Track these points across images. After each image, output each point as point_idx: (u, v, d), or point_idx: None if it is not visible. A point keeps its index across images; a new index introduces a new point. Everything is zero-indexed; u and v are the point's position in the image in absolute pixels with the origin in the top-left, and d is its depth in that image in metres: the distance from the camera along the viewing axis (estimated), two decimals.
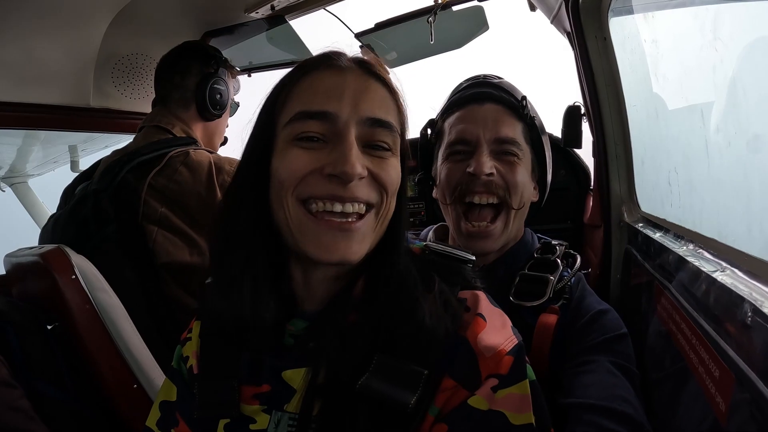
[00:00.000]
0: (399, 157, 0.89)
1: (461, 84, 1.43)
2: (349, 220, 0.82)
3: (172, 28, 2.30)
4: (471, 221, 1.27)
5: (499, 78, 1.40)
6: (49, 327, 1.49)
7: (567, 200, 1.97)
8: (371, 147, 0.84)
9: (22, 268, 1.65)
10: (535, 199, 1.36)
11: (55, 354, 1.46)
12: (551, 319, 1.15)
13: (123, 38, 2.26)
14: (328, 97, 0.82)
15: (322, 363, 0.82)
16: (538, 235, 1.39)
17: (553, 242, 1.34)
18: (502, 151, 1.27)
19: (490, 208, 1.27)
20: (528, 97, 1.33)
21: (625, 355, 1.09)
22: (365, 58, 0.91)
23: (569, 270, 1.24)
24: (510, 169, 1.26)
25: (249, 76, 2.36)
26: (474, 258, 0.98)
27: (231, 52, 2.26)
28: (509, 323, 0.87)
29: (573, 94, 1.59)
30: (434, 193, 1.39)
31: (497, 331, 0.83)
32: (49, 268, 1.42)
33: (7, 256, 1.77)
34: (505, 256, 1.31)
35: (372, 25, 2.07)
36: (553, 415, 0.86)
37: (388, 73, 0.90)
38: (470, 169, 1.24)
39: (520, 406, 0.78)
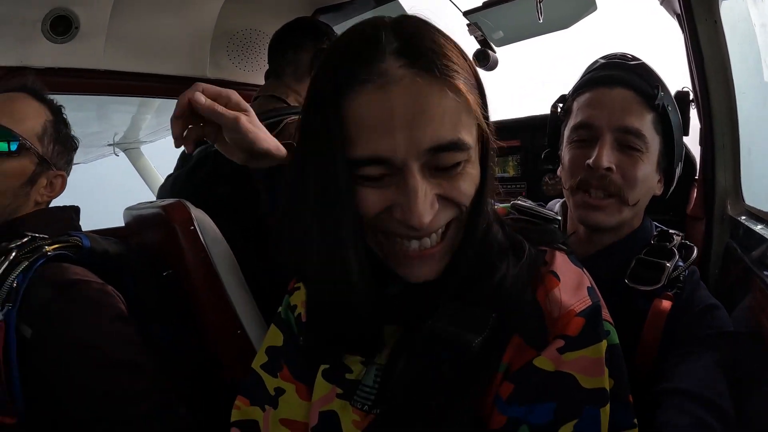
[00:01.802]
0: (477, 156, 0.80)
1: (596, 62, 1.36)
2: (428, 247, 0.79)
3: (284, 4, 2.42)
4: (588, 192, 1.23)
5: (637, 60, 1.30)
6: (164, 274, 1.62)
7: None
8: (441, 169, 0.74)
9: (142, 220, 1.78)
10: (659, 192, 1.31)
11: (167, 298, 1.58)
12: (665, 305, 1.13)
13: (238, 15, 2.41)
14: (378, 137, 0.70)
15: (412, 320, 0.84)
16: (655, 223, 1.37)
17: (670, 231, 1.32)
18: (626, 142, 1.21)
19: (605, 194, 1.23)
20: (665, 84, 1.26)
21: (730, 355, 1.06)
22: (414, 38, 0.74)
23: (683, 262, 1.22)
24: (631, 163, 1.21)
25: None
26: (559, 218, 0.99)
27: (340, 30, 2.33)
28: (587, 284, 0.83)
29: (682, 79, 1.54)
30: (559, 171, 1.37)
31: (571, 290, 0.81)
32: (169, 219, 1.53)
33: (127, 209, 1.91)
34: (623, 240, 1.28)
35: (480, 3, 2.08)
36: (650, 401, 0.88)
37: (449, 52, 0.75)
38: (589, 161, 1.20)
39: (592, 369, 0.76)
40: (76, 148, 1.56)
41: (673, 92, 1.31)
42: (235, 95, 1.05)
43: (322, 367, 0.94)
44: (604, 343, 0.78)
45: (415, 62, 0.71)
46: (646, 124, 1.21)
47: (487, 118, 0.80)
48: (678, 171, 1.32)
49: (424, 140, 0.71)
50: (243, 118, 1.02)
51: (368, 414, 0.86)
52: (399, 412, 0.80)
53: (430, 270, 0.81)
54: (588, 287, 0.83)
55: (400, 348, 0.86)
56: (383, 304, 0.87)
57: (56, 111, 1.50)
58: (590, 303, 0.80)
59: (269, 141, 1.13)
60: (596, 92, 1.26)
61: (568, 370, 0.75)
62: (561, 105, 1.40)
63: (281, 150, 1.16)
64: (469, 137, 0.75)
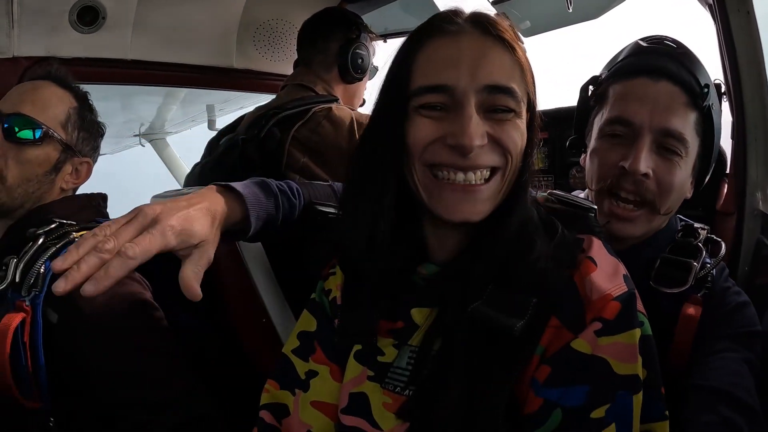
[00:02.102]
0: (525, 120, 0.87)
1: (637, 45, 1.23)
2: (473, 183, 0.84)
3: None
4: (616, 201, 1.15)
5: (684, 48, 1.20)
6: None
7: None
8: (493, 111, 0.83)
9: None
10: (689, 195, 1.21)
11: None
12: (696, 311, 1.08)
13: (264, 4, 2.39)
14: (446, 68, 0.83)
15: (450, 303, 0.85)
16: (679, 216, 1.28)
17: (696, 225, 1.24)
18: (666, 146, 1.11)
19: (635, 202, 1.15)
20: (712, 82, 1.17)
21: (758, 355, 1.04)
22: (484, 14, 0.88)
23: (710, 258, 1.16)
24: (668, 169, 1.11)
25: (385, 41, 2.41)
26: (595, 207, 0.97)
27: (367, 19, 2.32)
28: (623, 272, 0.85)
29: (714, 71, 1.46)
30: (581, 161, 1.30)
31: (607, 276, 0.82)
32: None
33: (154, 196, 1.92)
34: (648, 239, 1.20)
35: None
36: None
37: (511, 32, 0.88)
38: (624, 164, 1.10)
39: (626, 355, 0.78)
40: (102, 134, 1.55)
41: None
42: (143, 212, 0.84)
43: (355, 348, 0.95)
44: (637, 331, 0.80)
45: (484, 28, 0.85)
46: (689, 126, 1.12)
47: (535, 95, 0.90)
48: (708, 175, 1.23)
49: (484, 78, 0.82)
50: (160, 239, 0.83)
51: (400, 395, 0.87)
52: (433, 393, 0.81)
53: (473, 209, 0.84)
54: (624, 275, 0.85)
55: (434, 330, 0.87)
56: (417, 285, 0.92)
57: (81, 98, 1.50)
58: (626, 289, 0.82)
59: (198, 225, 0.89)
60: (637, 82, 1.14)
61: (602, 355, 0.77)
62: (592, 88, 1.27)
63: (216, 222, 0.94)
64: (521, 92, 0.85)
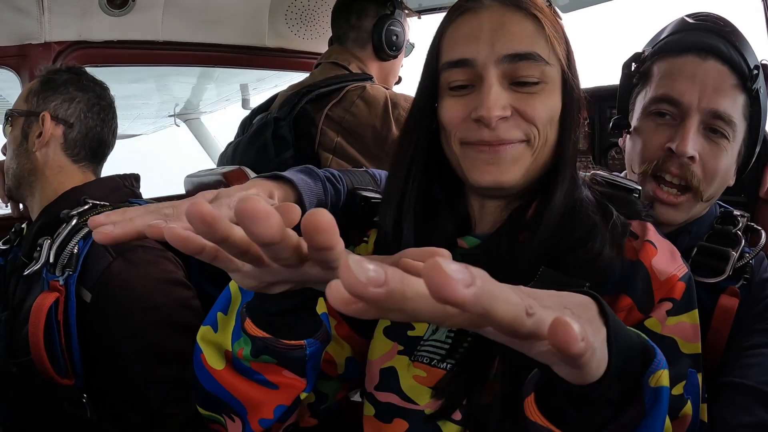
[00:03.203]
0: (559, 88, 0.85)
1: (684, 21, 1.16)
2: (497, 140, 0.82)
3: None
4: (660, 184, 1.10)
5: (732, 26, 1.12)
6: None
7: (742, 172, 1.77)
8: (518, 84, 0.82)
9: (203, 186, 1.75)
10: (732, 183, 1.15)
11: None
12: (733, 302, 1.03)
13: None
14: (466, 43, 0.83)
15: (492, 275, 0.83)
16: (718, 202, 1.21)
17: (735, 212, 1.17)
18: (713, 127, 1.06)
19: (679, 187, 1.09)
20: (764, 64, 1.10)
21: None
22: None
23: (749, 248, 1.09)
24: (715, 153, 1.06)
25: (419, 18, 2.36)
26: (640, 188, 0.95)
27: None
28: (678, 254, 0.85)
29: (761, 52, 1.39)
30: (620, 142, 1.25)
31: (668, 258, 0.83)
32: (230, 185, 1.52)
33: (188, 176, 1.92)
34: (686, 226, 1.14)
35: None
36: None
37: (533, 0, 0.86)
38: (671, 145, 1.05)
39: (690, 334, 0.80)
40: (63, 82, 1.46)
41: None
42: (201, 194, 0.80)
43: (383, 324, 0.93)
44: (697, 311, 0.82)
45: (506, 3, 0.84)
46: (737, 108, 1.07)
47: (571, 67, 0.87)
48: (752, 160, 1.17)
49: (503, 47, 0.81)
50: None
51: (436, 368, 0.85)
52: (475, 368, 0.80)
53: (499, 171, 0.83)
54: (680, 256, 0.85)
55: None
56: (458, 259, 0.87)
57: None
58: (686, 270, 0.83)
59: None
60: (685, 60, 1.09)
61: (670, 334, 0.79)
62: (635, 65, 1.21)
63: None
64: (548, 58, 0.83)
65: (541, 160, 0.86)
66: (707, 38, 1.08)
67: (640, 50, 1.21)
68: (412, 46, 2.16)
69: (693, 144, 1.04)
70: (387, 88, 1.89)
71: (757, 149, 1.15)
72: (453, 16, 0.88)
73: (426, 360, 0.86)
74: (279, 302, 0.66)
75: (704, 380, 0.82)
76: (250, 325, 0.69)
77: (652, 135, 1.11)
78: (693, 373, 0.78)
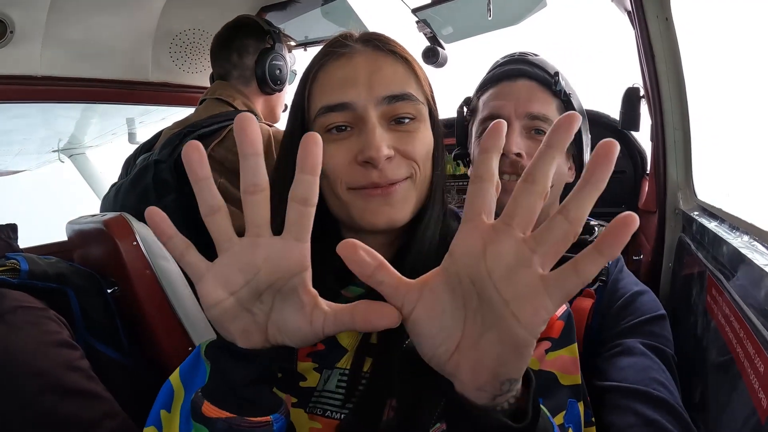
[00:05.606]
0: (429, 125, 0.90)
1: (497, 62, 1.40)
2: (388, 179, 0.84)
3: (228, 3, 2.32)
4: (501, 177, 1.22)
5: (536, 55, 1.35)
6: (109, 291, 1.55)
7: (623, 184, 1.91)
8: (396, 122, 0.85)
9: (84, 235, 1.70)
10: (570, 179, 1.32)
11: (114, 316, 1.51)
12: (586, 303, 1.14)
13: (180, 14, 2.31)
14: (343, 87, 0.85)
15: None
16: (589, 218, 1.35)
17: (592, 222, 1.31)
18: (534, 128, 1.24)
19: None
20: (562, 73, 1.29)
21: (659, 336, 1.08)
22: (373, 33, 0.93)
23: None
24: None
25: (305, 50, 2.36)
26: None
27: (289, 27, 2.27)
28: None
29: (633, 75, 1.54)
30: (469, 171, 1.36)
31: None
32: (111, 235, 1.46)
33: (69, 223, 1.83)
34: None
35: (429, 0, 2.03)
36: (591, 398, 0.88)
37: (400, 45, 0.92)
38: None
39: (570, 366, 0.83)
40: None
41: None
42: None
43: None
44: (576, 345, 0.86)
45: (375, 45, 0.89)
46: (551, 109, 1.26)
47: (434, 101, 0.94)
48: (586, 157, 1.33)
49: (381, 90, 0.84)
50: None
51: (331, 419, 0.85)
52: (369, 413, 0.80)
53: (395, 210, 0.85)
54: None
55: (361, 352, 0.87)
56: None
57: None
58: (566, 308, 0.88)
59: None
60: (501, 86, 1.31)
61: (549, 368, 0.82)
62: (466, 106, 1.44)
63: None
64: (419, 96, 0.88)
65: (422, 195, 0.89)
66: (515, 66, 1.32)
67: (469, 95, 1.43)
68: (295, 73, 2.16)
69: (516, 144, 1.21)
70: (270, 125, 1.88)
71: (586, 149, 1.33)
72: (324, 60, 0.89)
73: (319, 411, 0.86)
74: (246, 367, 0.64)
75: (587, 405, 0.86)
76: (209, 408, 0.64)
77: None
78: (573, 403, 0.81)
